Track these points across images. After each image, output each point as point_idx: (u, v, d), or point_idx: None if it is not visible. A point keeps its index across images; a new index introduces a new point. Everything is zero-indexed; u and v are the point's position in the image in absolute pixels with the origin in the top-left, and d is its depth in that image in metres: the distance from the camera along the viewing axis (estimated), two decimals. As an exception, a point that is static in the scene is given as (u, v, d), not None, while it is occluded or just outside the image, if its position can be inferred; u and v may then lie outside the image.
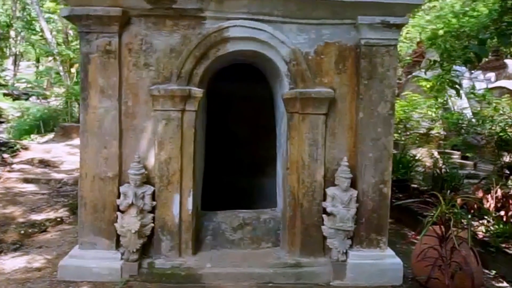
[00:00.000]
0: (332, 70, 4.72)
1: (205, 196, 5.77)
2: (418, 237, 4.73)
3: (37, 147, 12.01)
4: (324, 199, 4.74)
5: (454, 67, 7.16)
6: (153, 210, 4.73)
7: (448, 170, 7.71)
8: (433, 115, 8.71)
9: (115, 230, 4.60)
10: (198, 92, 4.61)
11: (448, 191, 7.60)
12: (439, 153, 8.92)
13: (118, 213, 4.62)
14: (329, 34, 4.70)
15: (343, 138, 4.78)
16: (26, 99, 22.17)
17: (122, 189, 4.64)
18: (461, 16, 10.40)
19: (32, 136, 14.86)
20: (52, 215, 6.89)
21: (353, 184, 4.70)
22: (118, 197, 4.65)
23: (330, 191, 4.70)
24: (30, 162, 10.09)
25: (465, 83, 10.22)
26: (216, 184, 7.11)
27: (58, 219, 6.72)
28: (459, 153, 9.87)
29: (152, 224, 4.74)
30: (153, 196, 4.70)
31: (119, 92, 4.61)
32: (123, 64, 4.63)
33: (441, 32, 10.84)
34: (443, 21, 10.81)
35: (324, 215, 4.73)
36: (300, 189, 4.74)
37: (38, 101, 21.75)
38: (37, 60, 29.72)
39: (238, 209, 5.37)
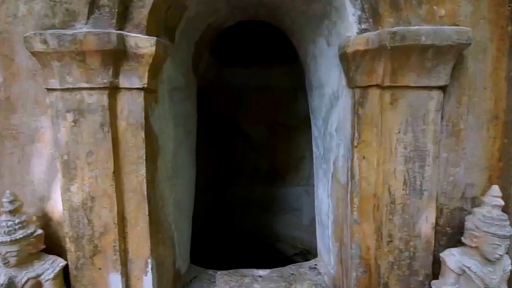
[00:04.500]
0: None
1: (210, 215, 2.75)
2: None
3: None
4: (435, 275, 1.51)
5: None
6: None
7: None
8: None
9: None
10: (145, 42, 1.36)
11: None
12: None
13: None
14: None
15: (478, 141, 1.49)
16: None
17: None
18: None
19: None
20: None
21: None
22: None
23: (452, 259, 1.43)
24: None
25: None
26: (226, 196, 4.19)
27: None
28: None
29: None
30: (68, 280, 1.55)
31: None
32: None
33: None
34: None
35: (431, 305, 1.51)
36: (382, 253, 1.49)
37: None
38: None
39: (254, 268, 2.33)
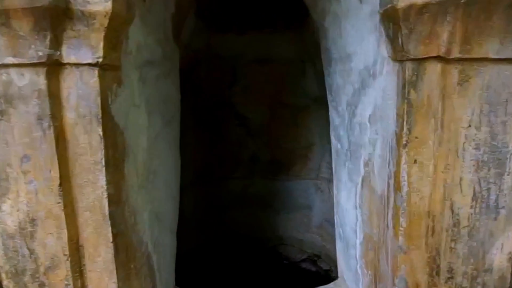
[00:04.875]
0: None
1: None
2: None
3: None
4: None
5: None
6: None
7: None
8: None
9: None
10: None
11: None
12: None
13: None
14: None
15: None
16: None
17: None
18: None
19: None
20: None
21: None
22: None
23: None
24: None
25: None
26: (219, 191, 4.05)
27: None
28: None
29: None
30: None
31: None
32: None
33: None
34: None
35: None
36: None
37: None
38: None
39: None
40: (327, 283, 2.12)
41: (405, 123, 1.17)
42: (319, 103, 3.69)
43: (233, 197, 4.15)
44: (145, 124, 1.51)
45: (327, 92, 2.06)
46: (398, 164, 1.22)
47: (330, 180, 4.13)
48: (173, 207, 2.01)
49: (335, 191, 2.03)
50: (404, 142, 1.17)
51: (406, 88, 1.15)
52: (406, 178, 1.19)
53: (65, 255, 1.22)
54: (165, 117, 1.77)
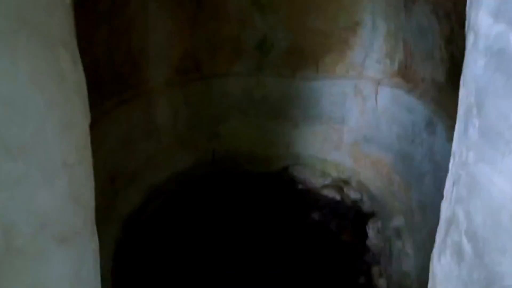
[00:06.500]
0: None
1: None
2: None
3: None
4: None
5: None
6: None
7: None
8: None
9: None
10: None
11: None
12: None
13: None
14: None
15: None
16: None
17: None
18: None
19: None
20: None
21: None
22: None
23: None
24: None
25: None
26: (208, 93, 3.41)
27: None
28: None
29: None
30: None
31: None
32: None
33: None
34: None
35: None
36: None
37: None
38: None
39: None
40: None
41: None
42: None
43: (231, 102, 3.47)
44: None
45: None
46: None
47: (380, 83, 3.15)
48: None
49: (468, 154, 0.82)
50: None
51: None
52: None
53: None
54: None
